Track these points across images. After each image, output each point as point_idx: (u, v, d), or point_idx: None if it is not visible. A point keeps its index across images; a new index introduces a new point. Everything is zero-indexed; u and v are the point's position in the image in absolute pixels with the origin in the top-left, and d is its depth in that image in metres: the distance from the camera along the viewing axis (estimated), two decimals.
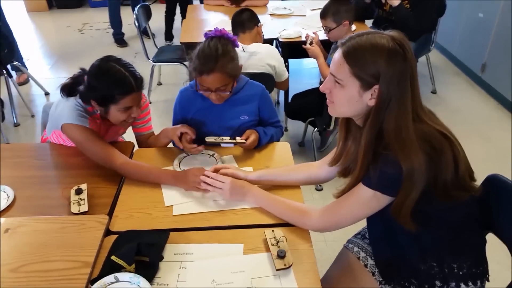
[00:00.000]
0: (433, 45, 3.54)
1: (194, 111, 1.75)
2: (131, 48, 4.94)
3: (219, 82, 1.60)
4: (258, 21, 2.47)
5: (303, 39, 2.89)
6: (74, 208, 1.39)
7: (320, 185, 2.62)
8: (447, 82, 3.96)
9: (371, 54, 1.06)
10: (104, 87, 1.50)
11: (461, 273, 1.18)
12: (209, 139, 1.62)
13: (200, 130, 1.69)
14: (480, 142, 3.06)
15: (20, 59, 3.92)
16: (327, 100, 1.18)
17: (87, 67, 1.59)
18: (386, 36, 1.07)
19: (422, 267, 1.21)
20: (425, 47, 3.40)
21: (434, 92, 3.77)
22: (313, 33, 2.68)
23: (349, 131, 1.26)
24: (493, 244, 1.30)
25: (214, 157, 1.66)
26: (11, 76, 3.44)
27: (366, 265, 1.34)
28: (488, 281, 1.24)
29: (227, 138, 1.63)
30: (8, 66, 3.61)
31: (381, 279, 1.31)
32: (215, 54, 1.56)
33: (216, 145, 1.67)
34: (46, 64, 4.67)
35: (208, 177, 1.44)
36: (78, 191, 1.45)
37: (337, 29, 2.41)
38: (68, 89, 1.61)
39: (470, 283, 1.19)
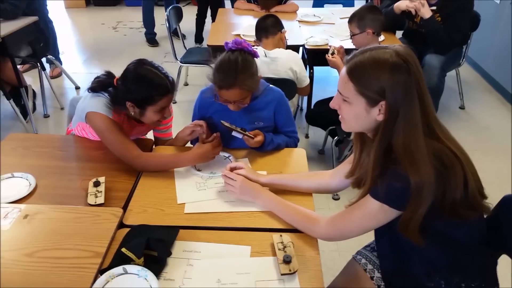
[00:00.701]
0: (464, 59, 3.46)
1: (212, 112, 1.78)
2: (162, 48, 5.05)
3: (238, 96, 1.62)
4: (282, 27, 2.48)
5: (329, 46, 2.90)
6: (91, 200, 1.44)
7: (337, 194, 2.60)
8: (477, 99, 3.86)
9: (374, 70, 1.06)
10: (143, 89, 1.57)
11: None
12: (225, 123, 1.65)
13: (216, 131, 1.71)
14: (507, 162, 2.97)
15: (56, 53, 4.06)
16: (339, 116, 1.18)
17: (118, 65, 1.64)
18: (390, 51, 1.07)
19: (429, 284, 1.19)
20: (455, 61, 3.33)
21: (462, 107, 3.68)
22: (339, 45, 2.67)
23: (364, 143, 1.26)
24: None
25: (230, 159, 1.68)
26: (44, 69, 3.58)
27: (372, 278, 1.33)
28: None
29: (238, 128, 1.65)
30: (44, 60, 3.76)
31: None
32: (235, 70, 1.57)
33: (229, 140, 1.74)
34: (80, 58, 4.84)
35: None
36: (96, 183, 1.49)
37: (360, 35, 2.40)
38: (95, 91, 1.68)
39: None
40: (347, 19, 3.44)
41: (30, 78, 3.93)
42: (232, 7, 4.65)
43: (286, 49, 2.44)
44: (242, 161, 1.68)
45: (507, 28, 3.73)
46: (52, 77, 4.13)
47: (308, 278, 1.18)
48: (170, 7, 3.59)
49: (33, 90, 3.63)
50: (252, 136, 1.65)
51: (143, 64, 1.61)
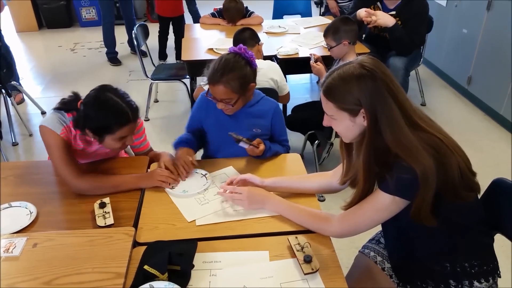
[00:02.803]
0: (421, 59, 3.69)
1: (211, 115, 1.82)
2: (125, 66, 4.99)
3: (223, 94, 1.68)
4: (259, 39, 2.57)
5: (301, 55, 3.01)
6: (100, 221, 1.42)
7: (322, 196, 2.69)
8: (435, 95, 4.12)
9: (344, 86, 1.18)
10: (101, 118, 1.52)
11: (473, 271, 1.25)
12: (233, 134, 1.68)
13: (214, 135, 1.75)
14: (472, 152, 3.15)
15: (17, 79, 3.93)
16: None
17: (82, 87, 1.62)
18: (353, 65, 1.19)
19: (436, 268, 1.28)
20: (415, 61, 3.54)
21: (423, 104, 3.91)
22: (312, 54, 2.79)
23: (350, 149, 1.35)
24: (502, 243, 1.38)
25: (206, 177, 1.68)
26: (10, 96, 3.45)
27: (383, 269, 1.41)
28: (500, 277, 1.31)
29: (245, 139, 1.69)
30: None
31: (398, 281, 1.38)
32: (223, 67, 1.65)
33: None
34: (39, 84, 4.65)
35: (225, 191, 1.51)
36: (102, 205, 1.48)
37: (337, 47, 2.51)
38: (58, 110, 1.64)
39: (482, 280, 1.26)
40: (312, 29, 3.61)
41: None
42: (194, 22, 4.71)
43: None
44: (228, 171, 1.72)
45: (454, 27, 4.02)
46: (16, 103, 3.97)
47: (329, 275, 1.23)
48: (137, 25, 3.58)
49: None
50: (256, 146, 1.70)
51: (105, 90, 1.56)
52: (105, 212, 1.46)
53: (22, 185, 1.67)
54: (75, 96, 1.64)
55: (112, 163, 1.81)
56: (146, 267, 1.21)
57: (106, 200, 1.51)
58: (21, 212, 1.50)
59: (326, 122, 1.29)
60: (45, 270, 1.25)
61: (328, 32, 2.51)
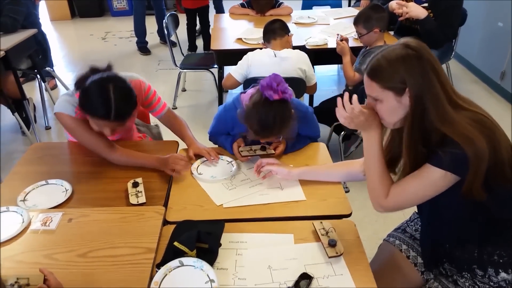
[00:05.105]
0: (453, 53, 3.62)
1: (237, 128, 1.76)
2: (154, 56, 5.08)
3: (272, 140, 1.69)
4: (289, 31, 2.58)
5: (329, 46, 3.00)
6: (133, 200, 1.48)
7: (346, 187, 2.69)
8: (466, 90, 4.02)
9: (389, 66, 1.17)
10: (86, 99, 1.55)
11: (501, 261, 1.24)
12: (243, 151, 1.71)
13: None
14: None
15: (51, 65, 4.06)
16: (380, 117, 1.26)
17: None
18: (397, 46, 1.18)
19: (464, 255, 1.27)
20: (446, 55, 3.47)
21: None
22: (339, 34, 2.82)
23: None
24: None
25: (232, 164, 1.72)
26: (44, 81, 3.57)
27: (408, 257, 1.41)
28: None
29: (258, 149, 1.71)
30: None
31: (423, 269, 1.38)
32: (272, 125, 1.53)
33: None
34: (70, 71, 4.78)
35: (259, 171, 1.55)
36: (135, 184, 1.54)
37: (368, 35, 2.51)
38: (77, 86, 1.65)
39: (510, 271, 1.24)
40: (342, 20, 3.58)
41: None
42: (217, 12, 4.73)
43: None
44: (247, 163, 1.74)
45: (491, 20, 3.91)
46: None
47: (354, 259, 1.25)
48: (168, 15, 3.63)
49: (33, 103, 3.62)
50: (272, 151, 1.71)
51: (109, 81, 1.54)
52: (138, 191, 1.52)
53: (58, 164, 1.75)
54: (92, 70, 1.61)
55: (142, 146, 1.87)
56: (176, 243, 1.25)
57: (139, 180, 1.57)
58: (57, 189, 1.58)
59: (369, 107, 1.26)
60: (80, 244, 1.31)
61: (359, 20, 2.51)
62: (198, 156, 1.76)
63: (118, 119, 1.55)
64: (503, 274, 1.24)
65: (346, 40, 2.72)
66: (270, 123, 1.52)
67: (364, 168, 1.35)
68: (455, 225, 1.27)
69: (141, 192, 1.51)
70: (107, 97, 1.50)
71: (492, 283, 1.25)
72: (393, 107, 1.21)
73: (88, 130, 1.67)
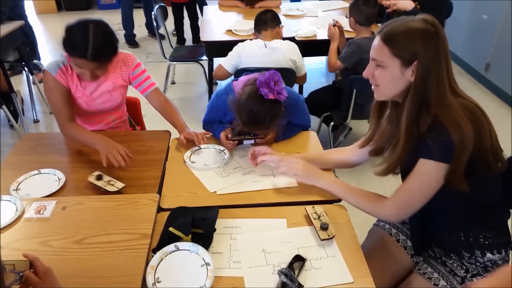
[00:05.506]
0: None
1: (229, 115, 1.77)
2: (142, 49, 5.05)
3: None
4: (280, 22, 2.60)
5: (318, 38, 3.03)
6: (111, 188, 1.49)
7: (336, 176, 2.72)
8: None
9: (407, 35, 1.17)
10: (67, 37, 1.61)
11: (486, 242, 1.29)
12: (233, 138, 1.72)
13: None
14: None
15: (38, 58, 4.02)
16: (372, 86, 1.28)
17: None
18: (417, 19, 1.19)
19: (450, 238, 1.31)
20: None
21: None
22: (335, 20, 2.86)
23: (381, 114, 1.37)
24: None
25: (224, 152, 1.73)
26: (32, 74, 3.54)
27: (398, 240, 1.45)
28: None
29: (247, 136, 1.72)
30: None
31: (412, 253, 1.42)
32: (262, 121, 1.54)
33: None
34: None
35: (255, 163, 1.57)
36: (99, 177, 1.54)
37: (349, 19, 2.68)
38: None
39: (495, 252, 1.29)
40: (330, 12, 3.61)
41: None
42: (204, 5, 4.68)
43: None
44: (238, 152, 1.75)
45: (476, 13, 3.98)
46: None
47: (345, 242, 1.29)
48: (157, 6, 3.62)
49: (21, 96, 3.58)
50: (262, 136, 1.72)
51: (96, 22, 1.62)
52: (108, 180, 1.52)
53: (51, 154, 1.75)
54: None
55: (134, 135, 1.88)
56: (171, 229, 1.27)
57: (96, 172, 1.56)
58: (50, 179, 1.58)
59: (368, 72, 1.26)
60: (75, 230, 1.32)
61: (350, 4, 2.65)
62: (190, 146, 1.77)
63: (95, 58, 1.60)
64: (489, 255, 1.29)
65: (340, 27, 2.75)
66: (259, 119, 1.53)
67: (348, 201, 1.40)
68: (442, 211, 1.31)
69: (111, 180, 1.52)
70: (85, 35, 1.58)
71: (478, 263, 1.30)
72: (394, 77, 1.21)
73: (61, 96, 1.76)
